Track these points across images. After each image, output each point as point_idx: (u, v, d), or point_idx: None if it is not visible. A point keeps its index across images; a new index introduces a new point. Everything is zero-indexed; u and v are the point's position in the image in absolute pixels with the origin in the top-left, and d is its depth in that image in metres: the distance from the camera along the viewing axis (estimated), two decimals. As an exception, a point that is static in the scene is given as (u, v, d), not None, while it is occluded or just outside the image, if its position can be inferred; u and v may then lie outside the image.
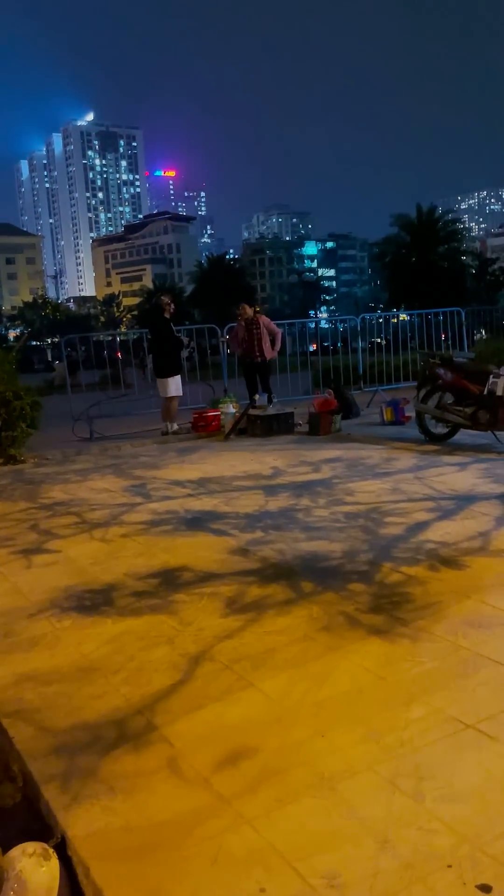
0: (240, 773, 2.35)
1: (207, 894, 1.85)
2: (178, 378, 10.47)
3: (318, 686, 2.87)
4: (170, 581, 4.22)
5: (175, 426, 10.45)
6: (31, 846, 2.00)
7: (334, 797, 2.19)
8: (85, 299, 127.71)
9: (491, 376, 7.71)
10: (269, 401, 10.75)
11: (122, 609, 3.85)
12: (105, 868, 1.97)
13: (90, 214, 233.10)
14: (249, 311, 10.93)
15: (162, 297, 10.88)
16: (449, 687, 2.79)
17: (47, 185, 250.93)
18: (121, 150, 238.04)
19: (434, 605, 3.59)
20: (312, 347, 16.83)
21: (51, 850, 2.01)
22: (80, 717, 2.78)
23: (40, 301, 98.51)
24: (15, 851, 1.99)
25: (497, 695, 2.71)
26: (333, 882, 1.85)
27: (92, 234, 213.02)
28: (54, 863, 1.98)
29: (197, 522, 5.49)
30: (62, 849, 2.07)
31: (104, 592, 4.11)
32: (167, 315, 10.46)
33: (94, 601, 3.99)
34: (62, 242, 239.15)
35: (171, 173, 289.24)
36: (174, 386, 10.41)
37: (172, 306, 10.66)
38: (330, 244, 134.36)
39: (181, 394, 10.63)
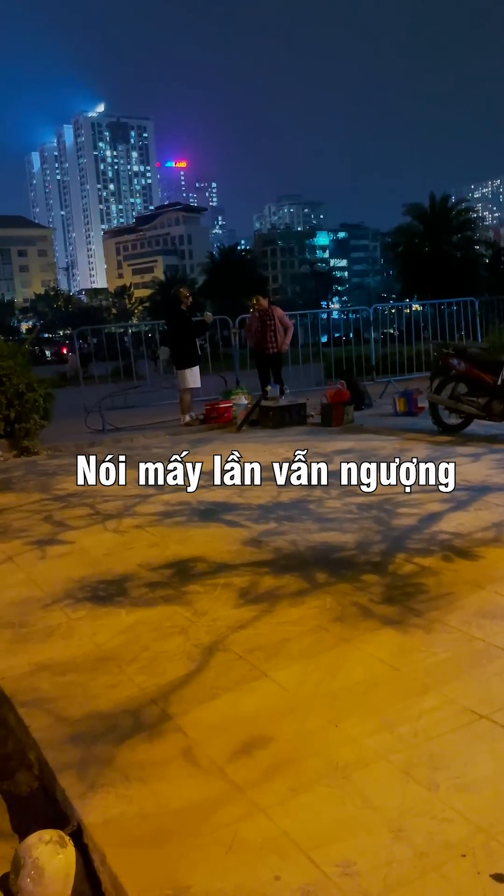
0: (254, 763, 2.36)
1: (222, 881, 1.86)
2: (195, 369, 10.49)
3: (331, 676, 2.88)
4: (183, 572, 4.24)
5: (187, 417, 10.46)
6: (47, 833, 2.02)
7: (348, 786, 2.19)
8: (96, 291, 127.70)
9: (505, 366, 7.66)
10: (282, 392, 10.74)
11: (135, 600, 3.87)
12: (121, 855, 1.99)
13: (101, 206, 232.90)
14: (264, 302, 10.92)
15: (180, 289, 10.95)
16: (463, 677, 2.79)
17: (58, 177, 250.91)
18: (132, 140, 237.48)
19: (448, 595, 3.58)
20: (325, 338, 16.77)
21: (67, 838, 2.04)
22: (96, 706, 2.80)
23: (52, 293, 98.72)
24: (32, 839, 2.01)
25: (511, 685, 2.70)
26: (348, 870, 1.85)
27: (103, 226, 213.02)
28: (70, 850, 2.01)
29: (210, 514, 5.50)
30: (78, 836, 2.09)
31: (118, 583, 4.13)
32: (184, 307, 10.52)
33: (108, 592, 4.02)
34: (73, 234, 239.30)
35: (183, 164, 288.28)
36: (191, 377, 10.44)
37: (190, 298, 10.75)
38: (342, 234, 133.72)
39: (198, 385, 10.64)
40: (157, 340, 16.50)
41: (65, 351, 38.89)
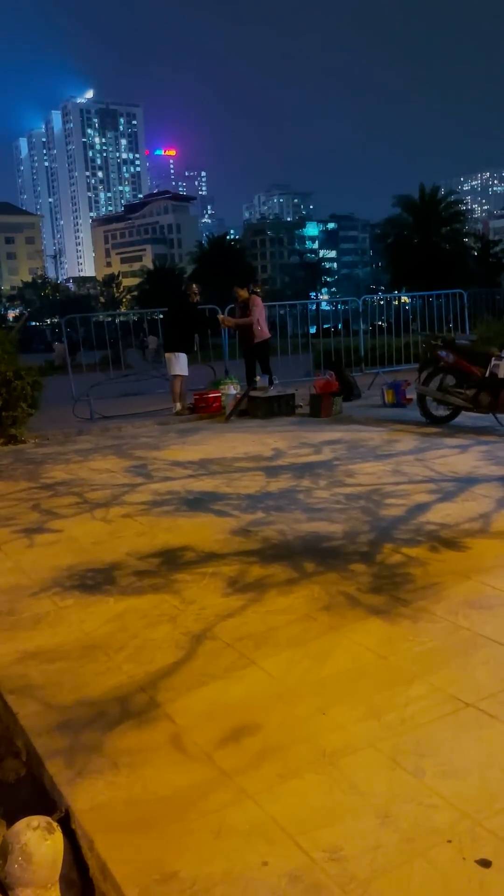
0: (242, 750, 2.37)
1: (210, 867, 1.87)
2: (182, 357, 10.48)
3: (319, 665, 2.89)
4: (171, 561, 4.24)
5: (178, 405, 10.43)
6: (35, 820, 2.02)
7: (335, 773, 2.21)
8: (84, 279, 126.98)
9: (493, 359, 7.70)
10: (270, 382, 10.73)
11: (124, 588, 3.87)
12: (109, 841, 1.99)
13: (90, 194, 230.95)
14: (243, 293, 10.90)
15: (192, 284, 11.06)
16: (449, 666, 2.81)
17: (46, 164, 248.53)
18: (121, 128, 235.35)
19: (434, 585, 3.61)
20: (314, 329, 16.76)
21: (55, 824, 2.03)
22: (84, 693, 2.80)
23: (40, 281, 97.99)
24: (20, 825, 2.01)
25: (497, 674, 2.73)
26: (335, 855, 1.87)
27: (91, 214, 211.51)
28: (58, 836, 2.00)
29: (198, 503, 5.50)
30: (66, 822, 2.10)
31: (106, 571, 4.13)
32: (192, 301, 10.62)
33: (96, 580, 4.01)
34: (62, 222, 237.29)
35: (172, 152, 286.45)
36: (177, 363, 10.42)
37: (198, 297, 10.90)
38: (331, 225, 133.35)
39: (185, 373, 10.62)
40: (146, 329, 16.40)
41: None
